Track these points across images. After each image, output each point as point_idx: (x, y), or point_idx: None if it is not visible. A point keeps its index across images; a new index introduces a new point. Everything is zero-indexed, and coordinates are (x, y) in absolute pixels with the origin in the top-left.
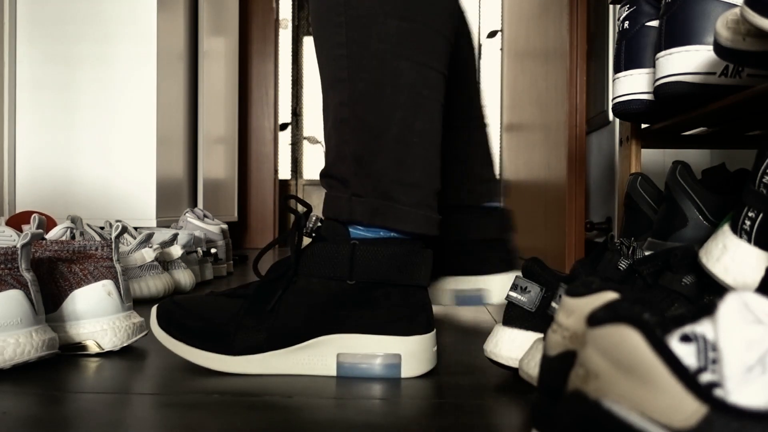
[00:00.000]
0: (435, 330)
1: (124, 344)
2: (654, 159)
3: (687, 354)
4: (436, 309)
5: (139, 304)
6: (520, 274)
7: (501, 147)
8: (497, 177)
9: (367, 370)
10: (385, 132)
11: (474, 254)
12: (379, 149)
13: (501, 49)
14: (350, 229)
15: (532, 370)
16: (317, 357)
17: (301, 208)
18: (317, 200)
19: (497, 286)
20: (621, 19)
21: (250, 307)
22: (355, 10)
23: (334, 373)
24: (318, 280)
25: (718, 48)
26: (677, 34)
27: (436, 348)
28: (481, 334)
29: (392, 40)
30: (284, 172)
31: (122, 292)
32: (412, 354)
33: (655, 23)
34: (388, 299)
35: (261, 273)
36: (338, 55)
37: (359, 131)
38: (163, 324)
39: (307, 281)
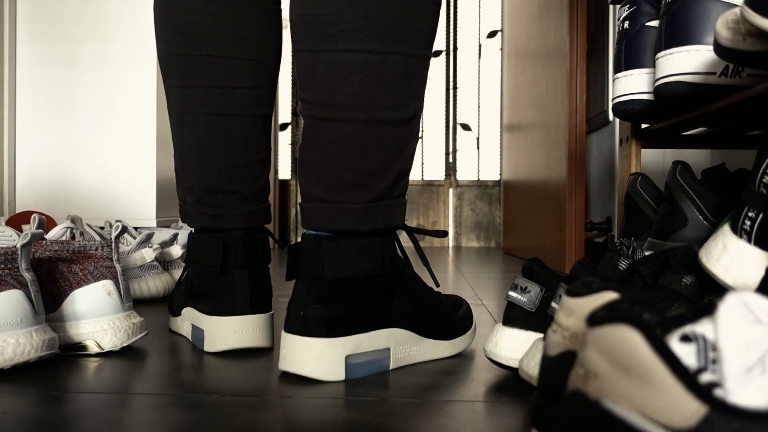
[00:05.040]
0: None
1: (124, 344)
2: (654, 159)
3: (687, 354)
4: None
5: (139, 304)
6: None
7: (501, 147)
8: None
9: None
10: (175, 148)
11: None
12: (176, 162)
13: (501, 49)
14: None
15: (532, 370)
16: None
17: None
18: None
19: None
20: (621, 19)
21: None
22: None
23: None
24: (191, 268)
25: (718, 48)
26: (677, 34)
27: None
28: (481, 334)
29: (164, 75)
30: (284, 172)
31: (122, 292)
32: (211, 331)
33: (655, 23)
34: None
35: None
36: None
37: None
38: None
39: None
